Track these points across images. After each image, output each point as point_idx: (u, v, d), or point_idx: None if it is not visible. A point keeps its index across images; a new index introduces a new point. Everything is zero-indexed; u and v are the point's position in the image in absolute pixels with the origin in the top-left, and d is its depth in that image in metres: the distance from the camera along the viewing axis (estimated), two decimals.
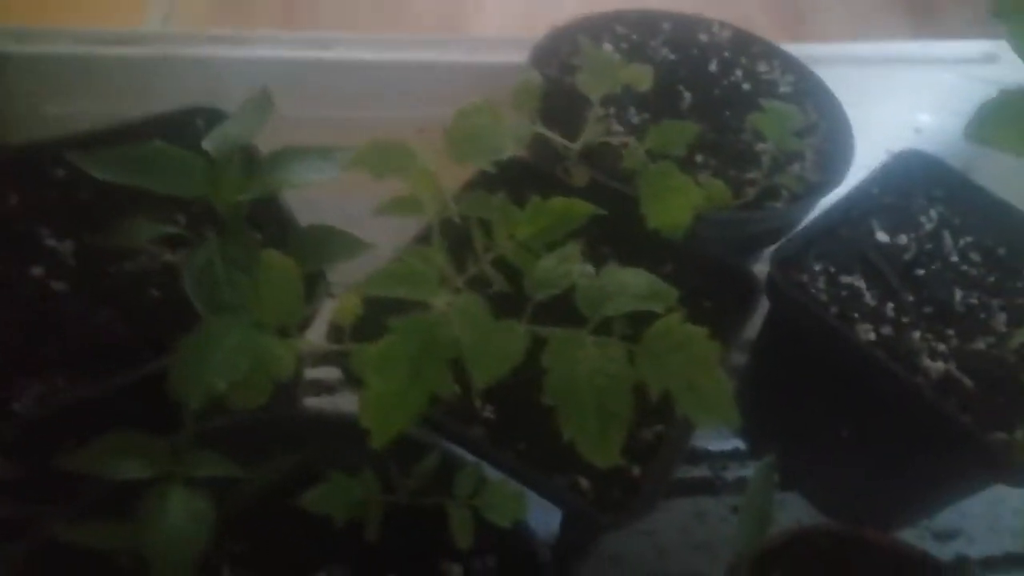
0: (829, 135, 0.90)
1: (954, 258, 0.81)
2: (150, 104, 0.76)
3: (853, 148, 0.87)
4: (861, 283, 0.76)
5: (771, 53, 0.99)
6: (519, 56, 0.90)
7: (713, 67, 0.96)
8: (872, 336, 0.72)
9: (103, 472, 0.48)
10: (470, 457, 0.60)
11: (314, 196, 0.64)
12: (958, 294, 0.77)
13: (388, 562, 0.58)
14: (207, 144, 0.58)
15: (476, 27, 1.34)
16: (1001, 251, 0.82)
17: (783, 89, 0.95)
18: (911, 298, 0.76)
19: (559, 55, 0.92)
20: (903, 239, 0.81)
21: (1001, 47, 1.06)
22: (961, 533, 0.89)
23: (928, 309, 0.76)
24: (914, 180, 0.86)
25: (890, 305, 0.75)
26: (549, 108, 0.81)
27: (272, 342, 0.48)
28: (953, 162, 0.88)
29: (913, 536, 0.87)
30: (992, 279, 0.79)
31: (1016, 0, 0.47)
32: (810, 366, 0.79)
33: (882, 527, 0.70)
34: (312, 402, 0.90)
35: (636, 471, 0.62)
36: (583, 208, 0.52)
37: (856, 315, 0.74)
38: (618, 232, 0.75)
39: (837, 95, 0.93)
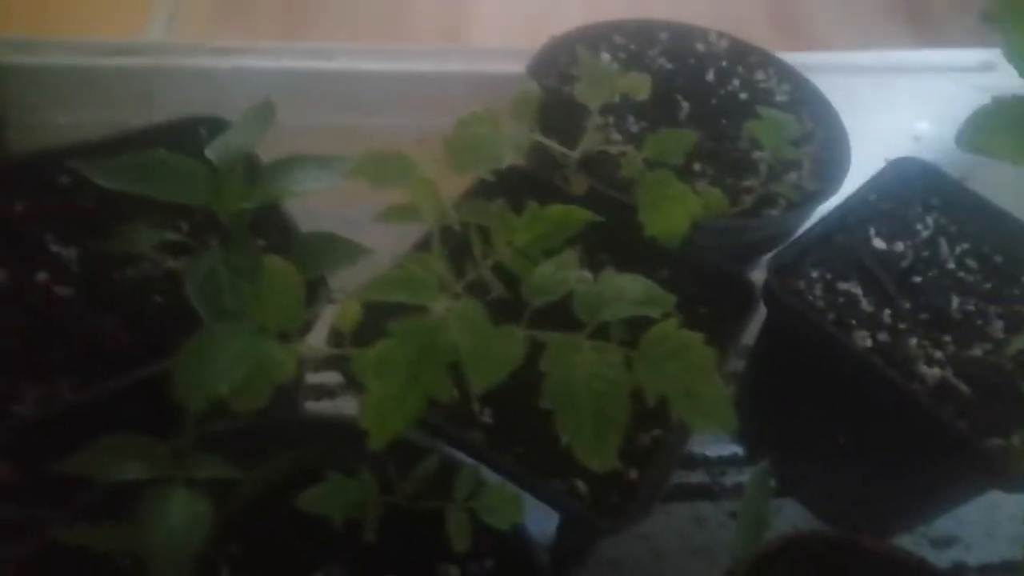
0: (826, 143, 0.91)
1: (951, 265, 0.81)
2: (153, 114, 0.77)
3: (850, 156, 0.88)
4: (858, 290, 0.77)
5: (768, 62, 1.00)
6: (518, 66, 0.90)
7: (710, 76, 0.97)
8: (869, 343, 0.72)
9: (104, 474, 0.49)
10: (469, 461, 0.60)
11: (315, 204, 0.65)
12: (955, 301, 0.77)
13: (386, 564, 0.58)
14: (210, 153, 0.59)
15: (476, 38, 1.34)
16: (998, 258, 0.82)
17: (780, 98, 0.96)
18: (908, 305, 0.76)
19: (558, 65, 0.92)
20: (900, 246, 0.81)
21: (1000, 55, 1.06)
22: (958, 540, 0.89)
23: (925, 316, 0.76)
24: (911, 188, 0.86)
25: (887, 312, 0.75)
26: (548, 117, 0.81)
27: (273, 347, 0.49)
28: (952, 170, 0.88)
29: (910, 543, 0.87)
30: (989, 286, 0.80)
31: (1009, 5, 0.47)
32: (807, 372, 0.80)
33: (879, 533, 0.70)
34: (313, 406, 0.90)
35: (633, 475, 0.62)
36: (580, 215, 0.53)
37: (853, 322, 0.74)
38: (616, 240, 0.75)
39: (835, 104, 0.94)
